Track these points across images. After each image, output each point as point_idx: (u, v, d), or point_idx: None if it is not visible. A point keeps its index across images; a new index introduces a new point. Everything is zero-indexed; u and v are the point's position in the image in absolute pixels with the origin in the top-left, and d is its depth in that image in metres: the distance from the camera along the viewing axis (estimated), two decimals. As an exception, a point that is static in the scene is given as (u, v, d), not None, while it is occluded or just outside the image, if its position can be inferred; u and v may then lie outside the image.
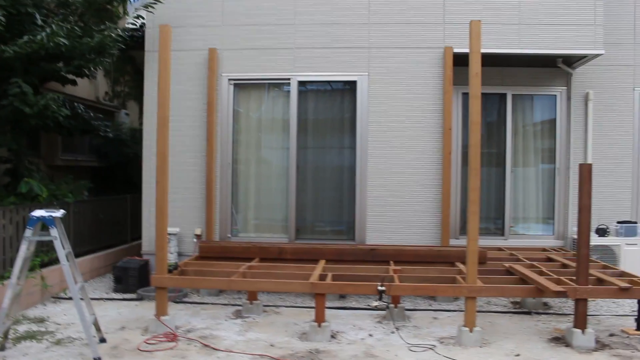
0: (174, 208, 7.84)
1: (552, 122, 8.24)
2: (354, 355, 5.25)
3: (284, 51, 7.71)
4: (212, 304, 7.16)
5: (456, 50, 7.45)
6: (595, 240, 7.79)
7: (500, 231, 8.36)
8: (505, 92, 8.21)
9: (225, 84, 7.79)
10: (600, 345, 5.55)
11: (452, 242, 8.30)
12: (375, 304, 5.71)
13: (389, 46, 7.58)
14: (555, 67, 7.86)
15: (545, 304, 7.14)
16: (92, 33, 7.28)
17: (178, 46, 7.83)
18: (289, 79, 7.73)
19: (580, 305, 5.60)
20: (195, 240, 7.73)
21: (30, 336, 5.73)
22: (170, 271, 6.18)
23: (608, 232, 7.91)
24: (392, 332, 5.96)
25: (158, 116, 5.95)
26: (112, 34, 7.32)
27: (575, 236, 7.76)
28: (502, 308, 7.08)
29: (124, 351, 5.34)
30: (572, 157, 8.05)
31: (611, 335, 5.94)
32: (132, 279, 7.54)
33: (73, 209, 7.92)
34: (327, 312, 6.75)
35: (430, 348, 5.47)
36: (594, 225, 8.04)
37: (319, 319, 5.73)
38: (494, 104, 8.37)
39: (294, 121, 7.74)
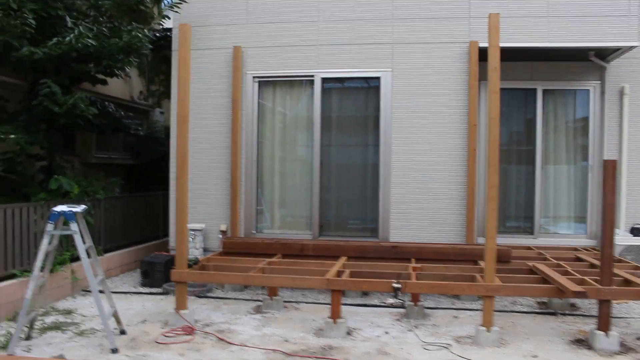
0: (200, 204, 8.02)
1: (585, 118, 7.96)
2: (367, 352, 5.22)
3: (307, 48, 7.72)
4: (235, 299, 7.26)
5: (482, 44, 7.24)
6: (630, 240, 7.50)
7: (530, 230, 8.14)
8: (535, 87, 7.96)
9: (249, 81, 7.87)
10: (625, 349, 5.33)
11: (480, 240, 8.13)
12: (391, 301, 5.67)
13: (412, 41, 7.49)
14: (588, 60, 7.58)
15: (572, 305, 6.91)
16: (121, 34, 7.48)
17: (204, 45, 7.98)
18: (312, 76, 7.74)
19: (604, 307, 5.40)
20: (220, 236, 7.85)
21: (57, 327, 5.95)
22: (190, 266, 6.29)
23: (644, 231, 7.59)
24: (410, 330, 5.90)
25: (178, 114, 6.06)
26: (139, 34, 7.49)
27: (612, 236, 7.55)
28: (527, 308, 6.89)
29: (142, 343, 5.48)
30: (605, 154, 7.74)
31: (639, 338, 5.69)
32: (158, 274, 7.71)
33: (104, 205, 8.16)
34: (347, 309, 6.79)
35: (445, 347, 5.38)
36: (629, 224, 7.76)
37: (335, 315, 5.72)
38: (523, 100, 8.14)
39: (318, 118, 7.75)
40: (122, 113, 9.16)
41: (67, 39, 6.73)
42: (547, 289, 5.54)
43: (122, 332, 5.74)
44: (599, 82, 7.82)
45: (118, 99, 10.22)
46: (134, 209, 9.01)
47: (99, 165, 9.81)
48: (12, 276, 6.44)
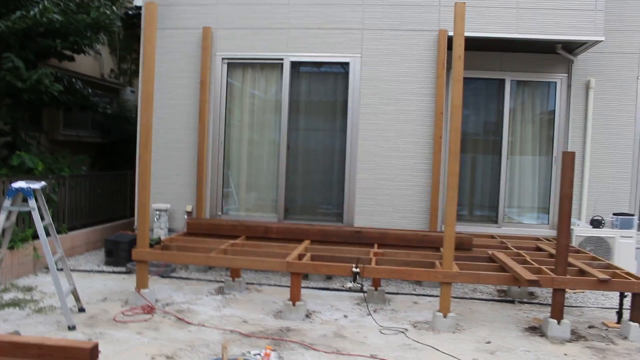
0: (166, 184, 7.97)
1: (552, 110, 8.08)
2: (323, 335, 5.28)
3: (278, 31, 7.68)
4: (197, 279, 7.27)
5: (450, 33, 7.23)
6: (589, 231, 7.65)
7: (494, 219, 8.27)
8: (504, 78, 8.06)
9: (218, 62, 7.81)
10: (576, 337, 5.48)
11: (444, 227, 8.26)
12: (350, 285, 5.71)
13: (382, 28, 7.49)
14: (556, 53, 7.67)
15: (531, 293, 7.06)
16: (89, 10, 7.35)
17: (173, 24, 7.88)
18: (282, 59, 7.70)
19: (558, 296, 5.53)
20: (185, 217, 7.83)
21: (15, 303, 5.90)
22: (151, 245, 6.27)
23: (603, 223, 7.75)
24: (368, 315, 5.97)
25: (142, 92, 6.02)
26: (107, 11, 7.37)
27: (570, 227, 7.69)
28: (487, 296, 7.02)
29: (100, 321, 5.46)
30: (570, 146, 7.89)
31: (590, 327, 5.85)
32: (122, 253, 7.68)
33: (69, 183, 8.08)
34: (309, 292, 6.86)
35: (401, 331, 5.47)
36: (589, 216, 7.92)
37: (294, 297, 5.77)
38: (491, 90, 8.23)
39: (286, 101, 7.73)
40: (90, 91, 9.01)
41: (32, 12, 6.60)
42: (503, 277, 5.65)
43: (81, 310, 5.72)
44: (566, 75, 7.93)
45: (88, 76, 10.06)
46: (101, 187, 8.94)
47: (67, 142, 9.67)
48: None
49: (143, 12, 7.91)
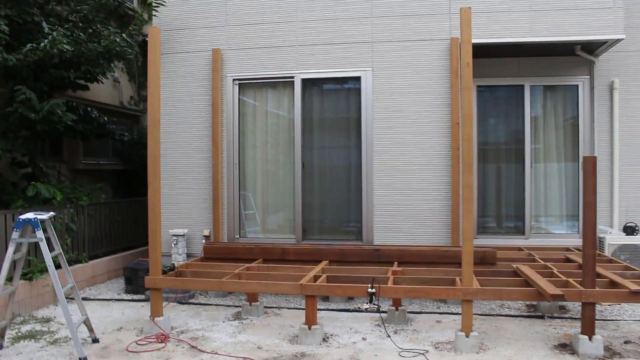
0: (183, 209, 7.92)
1: (575, 113, 7.74)
2: (339, 360, 5.08)
3: (287, 49, 7.59)
4: (216, 305, 7.15)
5: (464, 41, 7.10)
6: (622, 239, 7.27)
7: (521, 230, 7.94)
8: (523, 84, 7.78)
9: (229, 83, 7.76)
10: (610, 354, 5.13)
11: (462, 242, 7.97)
12: (366, 306, 5.50)
13: (392, 40, 7.32)
14: (576, 55, 7.37)
15: (562, 307, 6.71)
16: (100, 39, 7.41)
17: (184, 48, 7.90)
18: (292, 77, 7.61)
19: (587, 310, 5.20)
20: (203, 241, 7.75)
21: (31, 335, 5.89)
22: (164, 272, 6.20)
23: (637, 230, 7.36)
24: (388, 336, 5.74)
25: (149, 118, 5.97)
26: (117, 39, 7.43)
27: (602, 235, 7.33)
28: (515, 311, 6.70)
29: (113, 351, 5.38)
30: (597, 149, 7.53)
31: (626, 342, 5.48)
32: (141, 280, 7.54)
33: (88, 211, 8.11)
34: (328, 314, 6.67)
35: (421, 353, 5.22)
36: (622, 222, 7.54)
37: (309, 321, 5.59)
38: (511, 97, 7.95)
39: (299, 120, 7.61)
40: (106, 119, 9.09)
41: (42, 44, 6.68)
42: (527, 292, 5.35)
43: (95, 341, 5.65)
44: (587, 76, 7.61)
45: (106, 104, 10.17)
46: (121, 214, 8.96)
47: (88, 171, 9.76)
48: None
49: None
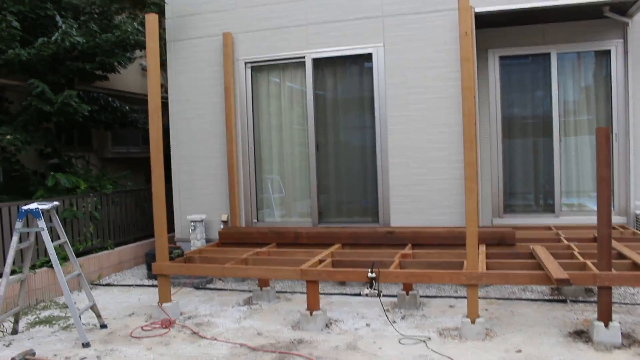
0: (202, 195, 7.97)
1: (607, 82, 7.16)
2: (335, 347, 4.94)
3: (297, 29, 7.40)
4: (231, 290, 7.16)
5: (478, 9, 6.67)
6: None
7: (550, 208, 7.48)
8: (549, 52, 7.27)
9: (241, 67, 7.67)
10: (630, 342, 4.74)
11: (495, 221, 7.63)
12: (366, 292, 5.32)
13: (403, 12, 6.97)
14: (606, 17, 6.77)
15: (589, 290, 6.26)
16: (112, 29, 7.49)
17: (196, 33, 7.87)
18: (303, 57, 7.41)
19: (603, 294, 4.81)
20: (221, 226, 7.76)
21: (48, 321, 6.10)
22: (172, 259, 6.25)
23: (679, 206, 6.76)
24: (394, 322, 5.55)
25: (149, 106, 6.01)
26: (128, 29, 7.48)
27: (639, 212, 6.79)
28: (537, 295, 6.32)
29: (118, 337, 5.48)
30: (632, 120, 6.93)
31: (651, 328, 5.05)
32: (162, 266, 7.74)
33: (112, 199, 8.30)
34: (340, 298, 6.54)
35: (423, 341, 5.00)
36: (659, 198, 6.95)
37: (311, 307, 5.48)
38: (537, 66, 7.44)
39: (311, 101, 7.43)
40: (127, 108, 9.22)
41: (54, 38, 6.81)
42: (535, 276, 4.99)
43: (103, 326, 5.78)
44: (621, 40, 7.00)
45: (134, 93, 10.34)
46: (148, 201, 9.08)
47: (117, 159, 9.99)
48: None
49: (168, 24, 8.01)
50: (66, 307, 6.68)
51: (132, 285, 7.59)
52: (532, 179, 7.58)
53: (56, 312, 6.45)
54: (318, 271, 5.49)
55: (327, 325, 5.53)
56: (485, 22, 7.15)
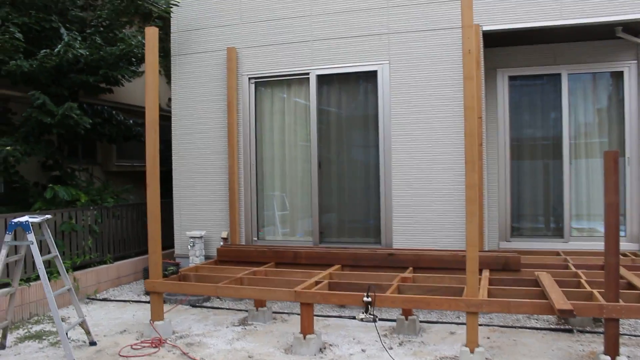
0: (201, 210, 7.85)
1: (620, 103, 6.94)
2: (326, 373, 4.75)
3: (301, 45, 7.31)
4: (228, 309, 6.99)
5: (486, 28, 6.54)
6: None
7: (559, 232, 7.24)
8: (560, 72, 7.10)
9: (245, 82, 7.58)
10: (638, 378, 4.48)
11: (502, 244, 7.40)
12: (361, 316, 5.12)
13: (409, 30, 6.85)
14: (618, 38, 6.59)
15: (597, 320, 5.98)
16: (117, 42, 7.47)
17: (201, 48, 7.82)
18: (307, 73, 7.30)
19: (609, 327, 4.56)
20: (221, 243, 7.62)
21: (38, 336, 5.97)
22: (165, 276, 6.11)
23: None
24: (391, 349, 5.34)
25: (146, 120, 5.92)
26: (132, 42, 7.45)
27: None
28: (543, 323, 6.06)
29: (105, 355, 5.33)
30: (646, 143, 6.72)
31: (663, 364, 4.78)
32: (160, 282, 7.60)
33: (113, 213, 8.21)
34: (338, 321, 6.34)
35: (418, 369, 4.79)
36: (676, 225, 6.67)
37: (305, 330, 5.29)
38: (547, 86, 7.26)
39: (314, 118, 7.30)
40: (131, 121, 9.17)
41: (56, 50, 6.79)
42: (537, 305, 4.76)
43: (92, 343, 5.64)
44: (635, 61, 6.82)
45: (143, 107, 10.28)
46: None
47: (122, 173, 9.94)
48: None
49: (174, 38, 7.97)
50: (61, 320, 6.56)
51: (128, 301, 7.46)
52: (541, 202, 7.36)
53: (48, 327, 6.32)
54: (313, 293, 5.31)
55: (320, 349, 5.34)
56: (494, 41, 7.02)
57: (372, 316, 5.10)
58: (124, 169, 10.02)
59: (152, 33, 5.84)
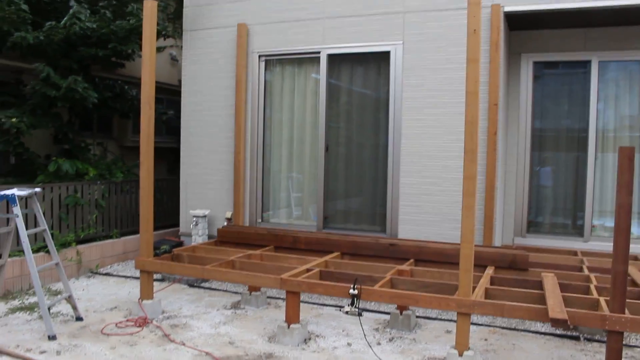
0: (208, 190, 7.70)
1: (654, 94, 6.38)
2: (304, 367, 4.53)
3: (313, 22, 6.98)
4: (223, 291, 6.84)
5: (508, 8, 6.07)
6: None
7: (579, 231, 6.76)
8: (590, 59, 6.56)
9: (255, 60, 7.33)
10: (640, 396, 4.08)
11: (517, 240, 6.99)
12: (347, 309, 4.85)
13: (426, 9, 6.43)
14: (656, 22, 6.02)
15: (609, 328, 5.53)
16: (127, 16, 7.34)
17: (212, 24, 7.60)
18: (318, 52, 6.98)
19: (612, 340, 4.15)
20: (225, 223, 7.46)
21: (30, 308, 5.97)
22: (157, 255, 5.99)
23: None
24: (379, 344, 5.07)
25: (142, 96, 5.74)
26: (141, 17, 7.28)
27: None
28: (548, 328, 5.64)
29: (88, 332, 5.27)
30: (680, 138, 6.14)
31: (672, 382, 4.34)
32: (162, 260, 7.53)
33: (122, 188, 8.16)
34: (331, 311, 6.09)
35: (402, 369, 4.51)
36: None
37: (289, 319, 5.08)
38: (574, 74, 6.74)
39: (323, 99, 6.99)
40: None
41: (62, 22, 6.69)
42: (533, 310, 4.36)
43: (78, 319, 5.58)
44: (673, 49, 6.20)
45: (162, 83, 10.19)
46: (160, 192, 8.90)
47: (137, 148, 9.83)
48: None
49: (185, 12, 7.78)
50: (56, 294, 6.57)
51: (128, 277, 7.40)
52: (561, 197, 6.88)
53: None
54: (298, 282, 5.07)
55: (305, 340, 5.12)
56: (519, 23, 6.54)
57: (357, 309, 4.83)
58: (139, 144, 9.94)
59: (150, 6, 5.64)
